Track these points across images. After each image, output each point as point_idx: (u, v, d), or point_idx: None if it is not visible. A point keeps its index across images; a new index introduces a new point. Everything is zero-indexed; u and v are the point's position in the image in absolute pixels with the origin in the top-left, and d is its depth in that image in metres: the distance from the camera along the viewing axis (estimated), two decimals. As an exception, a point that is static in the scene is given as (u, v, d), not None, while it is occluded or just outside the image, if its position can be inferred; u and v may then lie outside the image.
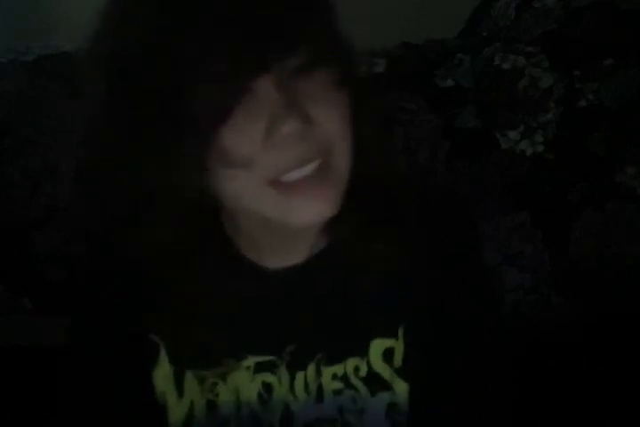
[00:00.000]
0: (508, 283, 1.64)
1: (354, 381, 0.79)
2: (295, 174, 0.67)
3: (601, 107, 1.66)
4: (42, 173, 1.71)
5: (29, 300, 1.71)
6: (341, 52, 0.71)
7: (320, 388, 0.79)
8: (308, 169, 0.67)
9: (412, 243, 0.76)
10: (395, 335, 0.79)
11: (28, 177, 1.72)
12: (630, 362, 1.47)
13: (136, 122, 0.67)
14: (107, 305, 0.80)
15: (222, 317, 0.76)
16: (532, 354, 1.41)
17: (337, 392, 0.79)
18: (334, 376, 0.79)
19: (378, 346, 0.79)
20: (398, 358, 0.79)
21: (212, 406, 0.80)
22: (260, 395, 0.79)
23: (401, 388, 0.79)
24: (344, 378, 0.79)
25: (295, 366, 0.79)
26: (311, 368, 0.79)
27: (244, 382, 0.79)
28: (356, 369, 0.79)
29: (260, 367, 0.79)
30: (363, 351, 0.79)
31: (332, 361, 0.79)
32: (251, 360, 0.79)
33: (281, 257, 0.78)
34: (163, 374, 0.80)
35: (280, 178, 0.67)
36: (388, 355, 0.79)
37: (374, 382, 0.79)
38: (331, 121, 0.67)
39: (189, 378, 0.80)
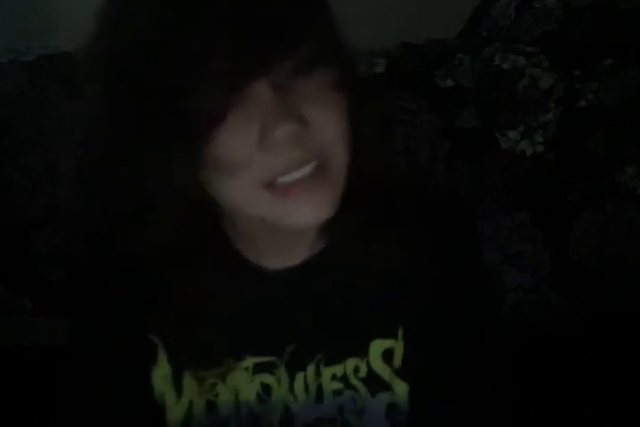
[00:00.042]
0: (508, 283, 1.64)
1: (353, 381, 0.79)
2: (290, 177, 0.66)
3: (601, 107, 1.66)
4: (42, 173, 1.72)
5: (29, 300, 1.71)
6: (342, 52, 0.70)
7: (320, 388, 0.79)
8: (304, 171, 0.67)
9: (411, 243, 0.76)
10: (394, 336, 0.79)
11: (28, 177, 1.72)
12: (630, 362, 1.47)
13: (138, 119, 0.66)
14: (107, 304, 0.80)
15: (222, 317, 0.75)
16: (532, 354, 1.40)
17: (337, 393, 0.79)
18: (334, 377, 0.79)
19: (378, 346, 0.79)
20: (398, 359, 0.79)
21: (211, 406, 0.80)
22: (258, 396, 0.79)
23: (401, 388, 0.79)
24: (344, 378, 0.79)
25: (295, 366, 0.79)
26: (311, 369, 0.79)
27: (242, 383, 0.79)
28: (356, 369, 0.79)
29: (258, 368, 0.79)
30: (362, 352, 0.79)
31: (331, 361, 0.79)
32: (249, 361, 0.79)
33: (281, 257, 0.78)
34: (161, 375, 0.80)
35: (275, 181, 0.66)
36: (387, 355, 0.79)
37: (374, 382, 0.79)
38: (328, 123, 0.67)
39: (188, 378, 0.80)
